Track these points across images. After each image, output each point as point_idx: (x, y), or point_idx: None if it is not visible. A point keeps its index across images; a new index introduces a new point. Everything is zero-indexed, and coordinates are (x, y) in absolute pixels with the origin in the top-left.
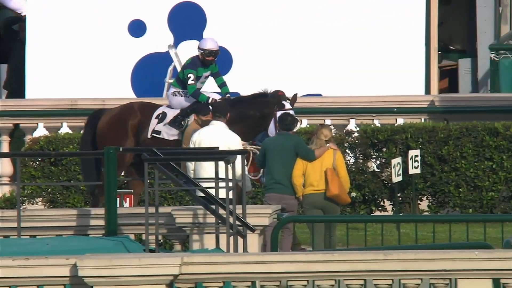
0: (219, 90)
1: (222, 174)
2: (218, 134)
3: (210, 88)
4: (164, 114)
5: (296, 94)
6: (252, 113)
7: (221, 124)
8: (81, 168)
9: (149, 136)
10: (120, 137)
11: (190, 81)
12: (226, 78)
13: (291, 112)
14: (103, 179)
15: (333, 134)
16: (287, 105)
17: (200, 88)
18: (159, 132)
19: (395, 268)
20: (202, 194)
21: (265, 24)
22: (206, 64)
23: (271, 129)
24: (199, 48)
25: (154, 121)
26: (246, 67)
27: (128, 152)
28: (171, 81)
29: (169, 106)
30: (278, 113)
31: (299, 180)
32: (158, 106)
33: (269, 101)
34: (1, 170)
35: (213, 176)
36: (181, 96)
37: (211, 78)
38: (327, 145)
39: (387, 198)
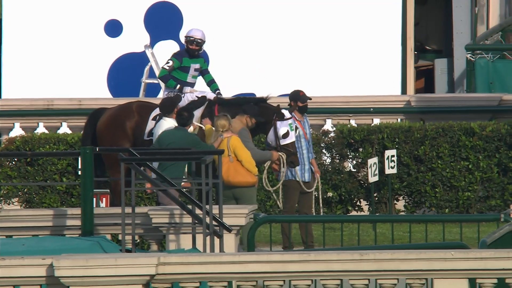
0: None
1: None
2: (158, 130)
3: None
4: (160, 116)
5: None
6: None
7: (169, 120)
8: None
9: (146, 138)
10: (118, 138)
11: (165, 65)
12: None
13: (290, 121)
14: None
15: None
16: (287, 114)
17: (194, 84)
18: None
19: (371, 268)
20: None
21: (241, 24)
22: (191, 55)
23: (271, 138)
24: (185, 36)
25: (151, 123)
26: (223, 67)
27: (104, 152)
28: (148, 81)
29: None
30: (278, 123)
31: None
32: (156, 106)
33: (268, 107)
34: None
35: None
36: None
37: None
38: (220, 136)
39: (364, 198)
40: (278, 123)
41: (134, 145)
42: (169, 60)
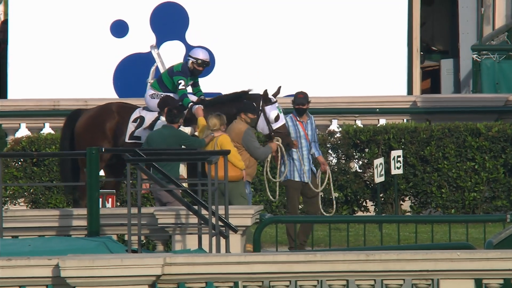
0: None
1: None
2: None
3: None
4: (142, 118)
5: (280, 87)
6: (235, 112)
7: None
8: (60, 170)
9: (127, 140)
10: (97, 139)
11: (180, 86)
12: (209, 78)
13: (277, 105)
14: (84, 180)
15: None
16: (273, 98)
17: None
18: (139, 138)
19: (377, 268)
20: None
21: (247, 24)
22: (195, 74)
23: (261, 125)
24: (190, 56)
25: (131, 125)
26: (229, 67)
27: (109, 153)
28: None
29: (146, 108)
30: (267, 108)
31: None
32: (136, 107)
33: (253, 97)
34: None
35: None
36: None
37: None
38: (211, 134)
39: (370, 198)
40: (267, 107)
41: (115, 146)
42: (179, 81)
